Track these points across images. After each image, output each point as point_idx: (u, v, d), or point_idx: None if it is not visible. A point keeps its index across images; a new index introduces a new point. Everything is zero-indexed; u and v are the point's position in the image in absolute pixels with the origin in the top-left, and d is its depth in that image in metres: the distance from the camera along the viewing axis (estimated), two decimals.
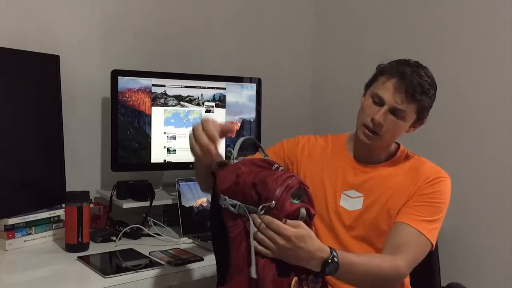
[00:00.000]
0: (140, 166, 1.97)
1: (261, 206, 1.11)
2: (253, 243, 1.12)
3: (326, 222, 1.47)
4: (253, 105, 2.18)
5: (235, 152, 1.26)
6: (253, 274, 1.11)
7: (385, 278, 1.30)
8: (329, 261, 1.16)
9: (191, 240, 1.77)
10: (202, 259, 1.57)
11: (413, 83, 1.36)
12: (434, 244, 1.38)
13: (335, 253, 1.17)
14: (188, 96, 2.03)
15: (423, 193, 1.41)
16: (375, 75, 1.44)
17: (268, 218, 1.11)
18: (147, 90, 1.95)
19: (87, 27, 1.98)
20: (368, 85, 1.46)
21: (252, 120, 2.17)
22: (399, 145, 1.54)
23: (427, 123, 1.47)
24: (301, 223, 1.14)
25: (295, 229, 1.12)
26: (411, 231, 1.36)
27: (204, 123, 1.22)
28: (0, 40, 1.71)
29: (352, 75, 2.44)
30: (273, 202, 1.11)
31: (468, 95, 1.97)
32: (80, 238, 1.62)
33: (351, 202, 1.47)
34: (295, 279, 1.12)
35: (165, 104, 1.98)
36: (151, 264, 1.54)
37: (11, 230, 1.62)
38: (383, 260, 1.31)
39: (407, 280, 1.49)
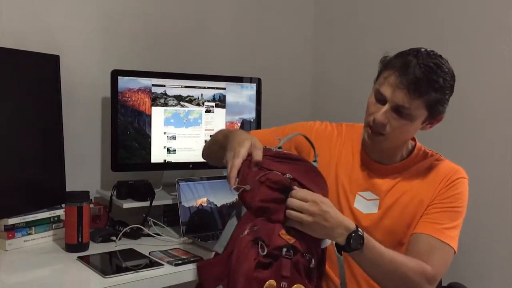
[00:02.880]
0: (140, 166, 1.97)
1: (235, 186, 1.15)
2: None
3: None
4: (253, 105, 2.18)
5: (282, 142, 1.33)
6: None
7: (409, 279, 1.24)
8: (353, 234, 1.15)
9: (191, 240, 1.77)
10: (202, 259, 1.57)
11: (416, 76, 1.22)
12: (456, 249, 1.34)
13: (360, 229, 1.17)
14: (188, 96, 2.03)
15: (442, 199, 1.36)
16: (379, 69, 1.34)
17: (293, 191, 1.14)
18: (147, 90, 1.95)
19: (87, 27, 1.98)
20: (375, 80, 1.36)
21: (252, 120, 2.17)
22: (415, 143, 1.45)
23: None
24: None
25: (318, 194, 1.15)
26: (435, 242, 1.31)
27: (255, 153, 1.19)
28: (0, 40, 1.71)
29: (352, 75, 2.44)
30: (248, 186, 1.14)
31: (469, 94, 1.97)
32: (80, 238, 1.61)
33: (367, 204, 1.39)
34: (270, 281, 1.09)
35: (165, 104, 1.98)
36: (151, 264, 1.53)
37: (11, 230, 1.62)
38: (409, 259, 1.26)
39: None
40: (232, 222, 1.20)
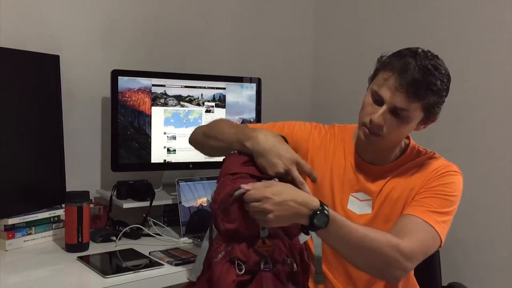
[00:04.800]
0: (140, 166, 1.97)
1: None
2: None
3: None
4: (253, 105, 2.18)
5: None
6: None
7: (383, 257, 1.17)
8: (318, 212, 1.09)
9: (191, 240, 1.77)
10: None
11: (416, 80, 1.21)
12: (443, 239, 1.27)
13: (326, 206, 1.11)
14: (188, 96, 2.03)
15: (431, 186, 1.32)
16: (376, 69, 1.33)
17: (245, 195, 1.10)
18: (147, 90, 1.95)
19: (87, 27, 1.98)
20: (371, 79, 1.35)
21: (252, 120, 2.17)
22: (409, 141, 1.43)
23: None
24: (274, 182, 1.15)
25: (268, 187, 1.11)
26: (417, 221, 1.25)
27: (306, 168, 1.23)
28: (0, 40, 1.71)
29: (352, 75, 2.44)
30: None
31: (469, 93, 1.97)
32: (80, 238, 1.62)
33: (360, 205, 1.38)
34: None
35: (165, 104, 1.98)
36: (151, 264, 1.54)
37: (11, 230, 1.62)
38: (382, 234, 1.19)
39: (411, 271, 1.39)
40: (204, 246, 1.18)
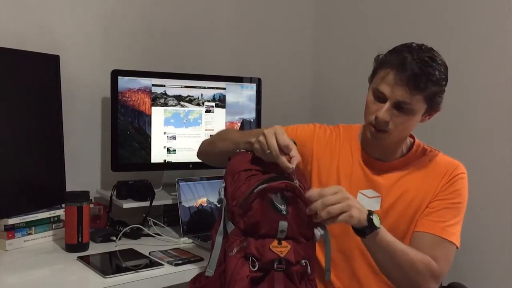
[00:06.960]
0: (140, 166, 1.97)
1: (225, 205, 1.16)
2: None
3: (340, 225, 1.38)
4: (253, 105, 2.18)
5: None
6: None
7: (417, 270, 1.27)
8: (371, 215, 1.19)
9: (191, 240, 1.77)
10: (202, 259, 1.57)
11: (415, 72, 1.25)
12: (459, 245, 1.37)
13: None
14: (188, 96, 2.03)
15: (445, 195, 1.38)
16: (374, 68, 1.36)
17: (323, 190, 1.16)
18: (147, 90, 1.95)
19: (87, 27, 1.98)
20: (370, 79, 1.38)
21: (252, 120, 2.17)
22: (414, 139, 1.46)
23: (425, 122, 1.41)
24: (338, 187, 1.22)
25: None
26: (438, 240, 1.34)
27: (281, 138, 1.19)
28: (0, 40, 1.71)
29: (352, 75, 2.44)
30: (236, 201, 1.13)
31: (470, 93, 1.97)
32: (80, 238, 1.62)
33: (368, 202, 1.39)
34: None
35: (165, 104, 1.98)
36: (151, 264, 1.54)
37: (11, 230, 1.62)
38: (416, 251, 1.29)
39: None
40: (218, 241, 1.18)
